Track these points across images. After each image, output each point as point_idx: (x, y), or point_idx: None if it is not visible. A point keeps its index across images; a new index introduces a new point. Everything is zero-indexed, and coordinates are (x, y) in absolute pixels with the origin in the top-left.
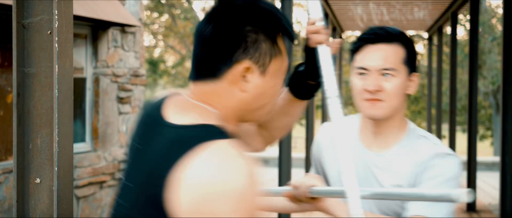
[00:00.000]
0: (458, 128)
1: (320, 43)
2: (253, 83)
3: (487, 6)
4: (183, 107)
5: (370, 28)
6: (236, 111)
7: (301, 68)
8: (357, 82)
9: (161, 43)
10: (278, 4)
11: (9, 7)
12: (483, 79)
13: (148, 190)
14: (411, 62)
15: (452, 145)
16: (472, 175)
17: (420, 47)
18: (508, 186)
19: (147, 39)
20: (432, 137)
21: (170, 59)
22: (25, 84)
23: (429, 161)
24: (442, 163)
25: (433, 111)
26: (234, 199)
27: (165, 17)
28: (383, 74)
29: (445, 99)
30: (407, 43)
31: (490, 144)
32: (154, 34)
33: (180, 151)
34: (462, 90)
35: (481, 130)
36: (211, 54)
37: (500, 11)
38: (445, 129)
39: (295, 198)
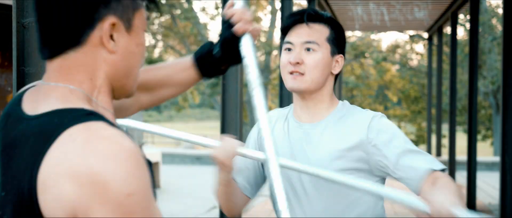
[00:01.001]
0: (458, 128)
1: (245, 31)
2: (120, 42)
3: (487, 6)
4: (42, 93)
5: (299, 9)
6: (106, 80)
7: (217, 51)
8: (283, 56)
9: (161, 43)
10: (278, 4)
11: (9, 7)
12: (483, 79)
13: (21, 195)
14: (336, 42)
15: (452, 145)
16: (472, 174)
17: (420, 47)
18: (508, 186)
19: (147, 39)
20: (359, 109)
21: (170, 59)
22: (25, 84)
23: (371, 123)
24: (383, 120)
25: (433, 111)
26: (114, 190)
27: (165, 17)
28: (306, 49)
29: (445, 99)
30: (334, 25)
31: (490, 144)
32: (154, 34)
33: (44, 144)
34: (462, 90)
35: (481, 130)
36: (68, 19)
37: (500, 11)
38: (445, 129)
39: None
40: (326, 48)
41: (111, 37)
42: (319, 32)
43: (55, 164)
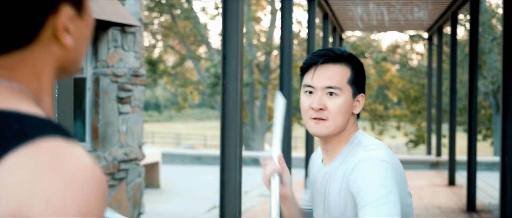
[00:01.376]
0: (458, 128)
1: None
2: (75, 31)
3: (487, 6)
4: None
5: (319, 50)
6: (53, 76)
7: None
8: (304, 100)
9: (161, 43)
10: (278, 4)
11: None
12: (483, 79)
13: None
14: (357, 83)
15: (452, 145)
16: (472, 174)
17: (420, 47)
18: (508, 186)
19: (147, 39)
20: (369, 142)
21: (170, 59)
22: None
23: (356, 165)
24: (363, 165)
25: (433, 111)
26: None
27: (165, 17)
28: (328, 93)
29: (445, 99)
30: (355, 64)
31: (490, 144)
32: (154, 34)
33: None
34: (462, 90)
35: (481, 130)
36: (16, 14)
37: (500, 11)
38: (445, 129)
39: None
40: (348, 90)
41: (66, 29)
42: (340, 75)
43: (18, 181)
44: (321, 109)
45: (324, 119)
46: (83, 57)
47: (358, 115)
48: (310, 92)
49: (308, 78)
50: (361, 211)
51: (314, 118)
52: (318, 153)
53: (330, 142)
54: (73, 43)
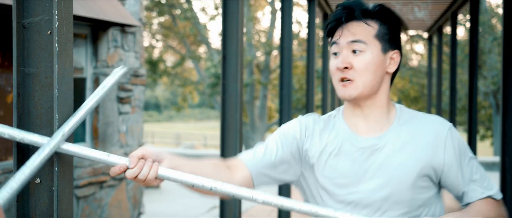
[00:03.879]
0: (458, 128)
1: None
2: None
3: (487, 6)
4: None
5: (344, 3)
6: None
7: None
8: (331, 62)
9: (160, 43)
10: (278, 4)
11: (9, 7)
12: (483, 79)
13: None
14: (388, 37)
15: None
16: None
17: (420, 47)
18: (508, 186)
19: (147, 39)
20: (421, 113)
21: (170, 59)
22: (25, 84)
23: (446, 140)
24: (456, 135)
25: (433, 111)
26: None
27: (165, 17)
28: (353, 51)
29: (445, 99)
30: (385, 19)
31: (490, 144)
32: (154, 34)
33: None
34: (462, 90)
35: (481, 130)
36: None
37: (500, 11)
38: None
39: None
40: (375, 46)
41: None
42: (366, 29)
43: None
44: (346, 68)
45: (351, 80)
46: None
47: (392, 79)
48: (336, 54)
49: (333, 38)
50: (472, 178)
51: (342, 80)
52: (318, 122)
53: (366, 106)
54: None
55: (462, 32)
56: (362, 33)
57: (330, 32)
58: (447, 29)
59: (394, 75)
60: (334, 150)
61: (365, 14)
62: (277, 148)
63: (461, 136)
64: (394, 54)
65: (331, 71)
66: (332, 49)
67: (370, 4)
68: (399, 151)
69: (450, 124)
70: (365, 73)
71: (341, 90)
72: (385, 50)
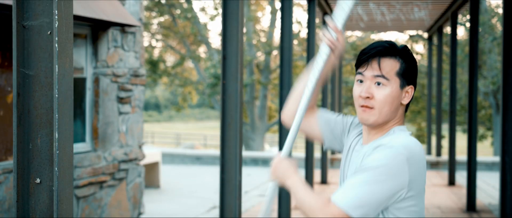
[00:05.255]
0: (458, 128)
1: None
2: None
3: (487, 6)
4: None
5: (374, 43)
6: None
7: None
8: (355, 88)
9: (160, 43)
10: (278, 4)
11: (9, 7)
12: (483, 79)
13: None
14: (406, 75)
15: (452, 145)
16: (472, 174)
17: (420, 47)
18: (508, 186)
19: (147, 39)
20: (402, 133)
21: (170, 59)
22: (25, 84)
23: (375, 148)
24: (371, 154)
25: (433, 111)
26: None
27: (165, 17)
28: (376, 83)
29: (445, 99)
30: (406, 58)
31: (490, 144)
32: (154, 34)
33: None
34: (462, 90)
35: (481, 130)
36: None
37: (500, 11)
38: (445, 129)
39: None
40: (395, 82)
41: None
42: (390, 66)
43: None
44: (368, 97)
45: (371, 108)
46: None
47: (406, 108)
48: (361, 81)
49: (361, 69)
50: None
51: (362, 106)
52: (357, 125)
53: (374, 128)
54: None
55: (462, 32)
56: (386, 69)
57: (359, 63)
58: (447, 29)
59: (407, 105)
60: (345, 150)
61: (392, 53)
62: (338, 116)
63: (384, 158)
64: (409, 89)
65: (354, 96)
66: (358, 76)
67: (393, 43)
68: (356, 158)
69: (392, 145)
70: (383, 104)
71: (361, 114)
72: (402, 86)
